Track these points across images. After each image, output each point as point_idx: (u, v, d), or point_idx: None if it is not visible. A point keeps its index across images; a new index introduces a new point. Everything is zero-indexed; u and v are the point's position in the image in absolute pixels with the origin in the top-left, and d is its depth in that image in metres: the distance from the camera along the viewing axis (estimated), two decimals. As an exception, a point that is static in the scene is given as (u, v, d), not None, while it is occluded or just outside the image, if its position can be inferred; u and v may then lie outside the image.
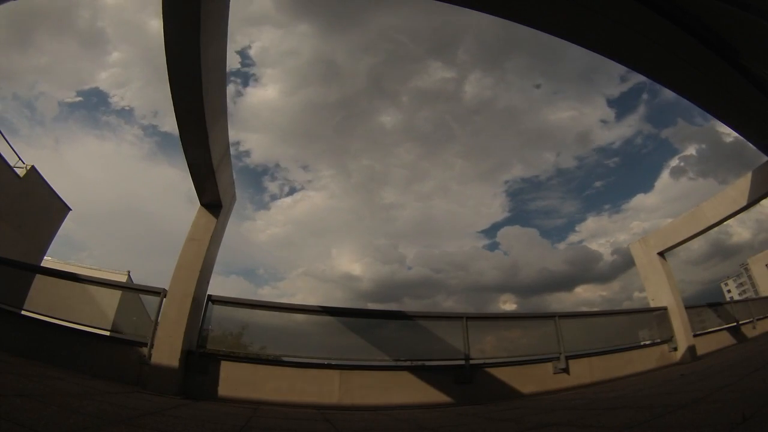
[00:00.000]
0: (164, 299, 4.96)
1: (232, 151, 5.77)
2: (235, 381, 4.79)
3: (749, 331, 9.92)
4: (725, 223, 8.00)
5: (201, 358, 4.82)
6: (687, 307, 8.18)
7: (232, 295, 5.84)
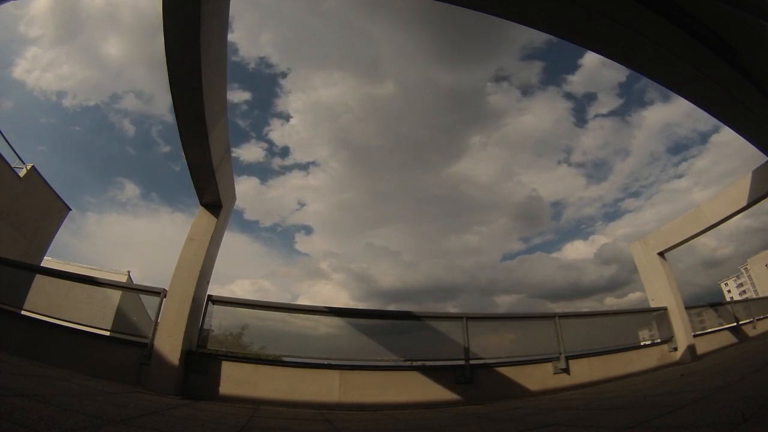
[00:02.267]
0: (164, 299, 4.96)
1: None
2: (236, 381, 4.79)
3: (749, 331, 9.93)
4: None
5: (201, 358, 4.82)
6: (687, 308, 8.17)
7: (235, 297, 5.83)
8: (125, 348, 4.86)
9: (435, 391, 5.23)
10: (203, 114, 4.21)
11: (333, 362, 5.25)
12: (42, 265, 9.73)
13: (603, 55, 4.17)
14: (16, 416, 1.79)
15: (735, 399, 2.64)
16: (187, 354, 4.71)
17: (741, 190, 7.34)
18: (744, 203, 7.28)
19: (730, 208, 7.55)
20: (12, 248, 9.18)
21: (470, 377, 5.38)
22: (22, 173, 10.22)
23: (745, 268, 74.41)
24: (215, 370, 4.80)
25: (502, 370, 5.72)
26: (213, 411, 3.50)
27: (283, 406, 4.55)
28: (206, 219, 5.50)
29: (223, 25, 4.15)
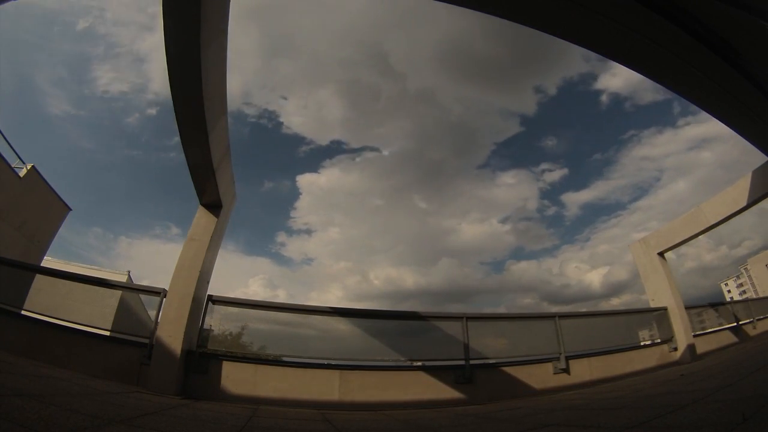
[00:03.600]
0: (164, 299, 4.96)
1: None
2: (235, 381, 4.79)
3: (750, 331, 9.93)
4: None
5: (201, 358, 4.83)
6: (687, 307, 8.17)
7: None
8: (125, 348, 4.86)
9: (435, 391, 5.23)
10: (203, 114, 4.21)
11: (333, 362, 5.25)
12: (42, 265, 9.73)
13: (603, 56, 4.16)
14: (16, 416, 1.79)
15: (735, 399, 2.65)
16: (187, 354, 4.71)
17: (741, 190, 7.34)
18: (744, 203, 7.28)
19: (730, 208, 7.54)
20: (12, 248, 9.18)
21: (470, 377, 5.38)
22: (22, 173, 10.21)
23: (745, 268, 74.43)
24: (215, 370, 4.80)
25: (502, 370, 5.72)
26: (213, 411, 3.50)
27: (283, 405, 4.56)
28: (206, 219, 5.50)
29: (224, 24, 4.14)
